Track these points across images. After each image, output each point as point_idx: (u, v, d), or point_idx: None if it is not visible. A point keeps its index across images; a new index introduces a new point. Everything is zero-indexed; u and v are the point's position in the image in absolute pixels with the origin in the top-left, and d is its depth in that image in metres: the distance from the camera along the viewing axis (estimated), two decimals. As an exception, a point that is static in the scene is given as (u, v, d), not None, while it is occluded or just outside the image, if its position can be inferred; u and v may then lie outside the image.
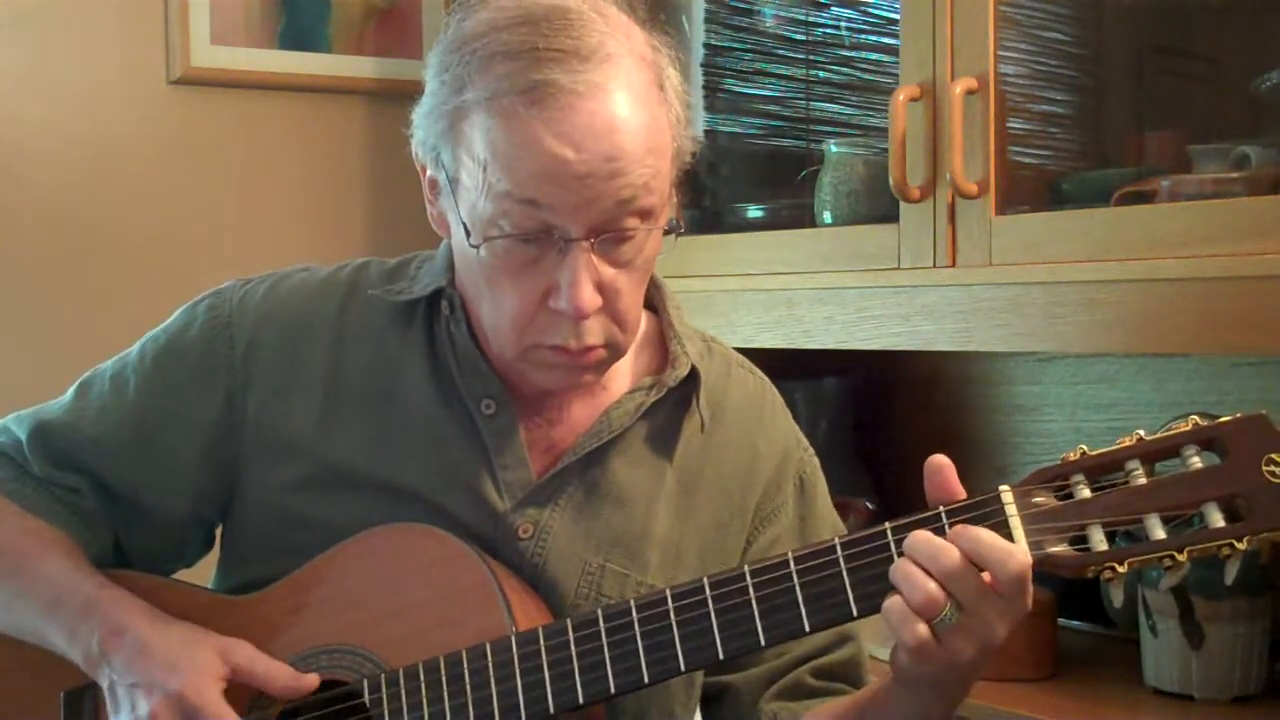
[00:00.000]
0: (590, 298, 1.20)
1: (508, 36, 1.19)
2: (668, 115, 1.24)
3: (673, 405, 1.35)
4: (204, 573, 1.43)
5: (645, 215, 1.21)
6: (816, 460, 1.45)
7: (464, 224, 1.22)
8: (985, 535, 1.11)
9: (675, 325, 1.38)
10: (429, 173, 1.28)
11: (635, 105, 1.19)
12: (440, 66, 1.24)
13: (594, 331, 1.23)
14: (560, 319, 1.21)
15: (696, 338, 1.40)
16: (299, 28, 2.53)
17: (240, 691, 1.26)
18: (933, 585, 1.10)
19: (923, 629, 1.11)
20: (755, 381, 1.44)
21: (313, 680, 1.26)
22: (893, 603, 1.12)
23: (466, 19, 1.23)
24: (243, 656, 1.26)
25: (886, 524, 1.16)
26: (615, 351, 1.27)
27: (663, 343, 1.38)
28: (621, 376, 1.36)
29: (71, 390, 1.42)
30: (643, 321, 1.37)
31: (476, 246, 1.21)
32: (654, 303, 1.40)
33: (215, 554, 1.44)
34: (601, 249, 1.20)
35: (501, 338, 1.26)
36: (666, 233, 1.25)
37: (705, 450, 1.37)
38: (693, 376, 1.35)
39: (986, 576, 1.11)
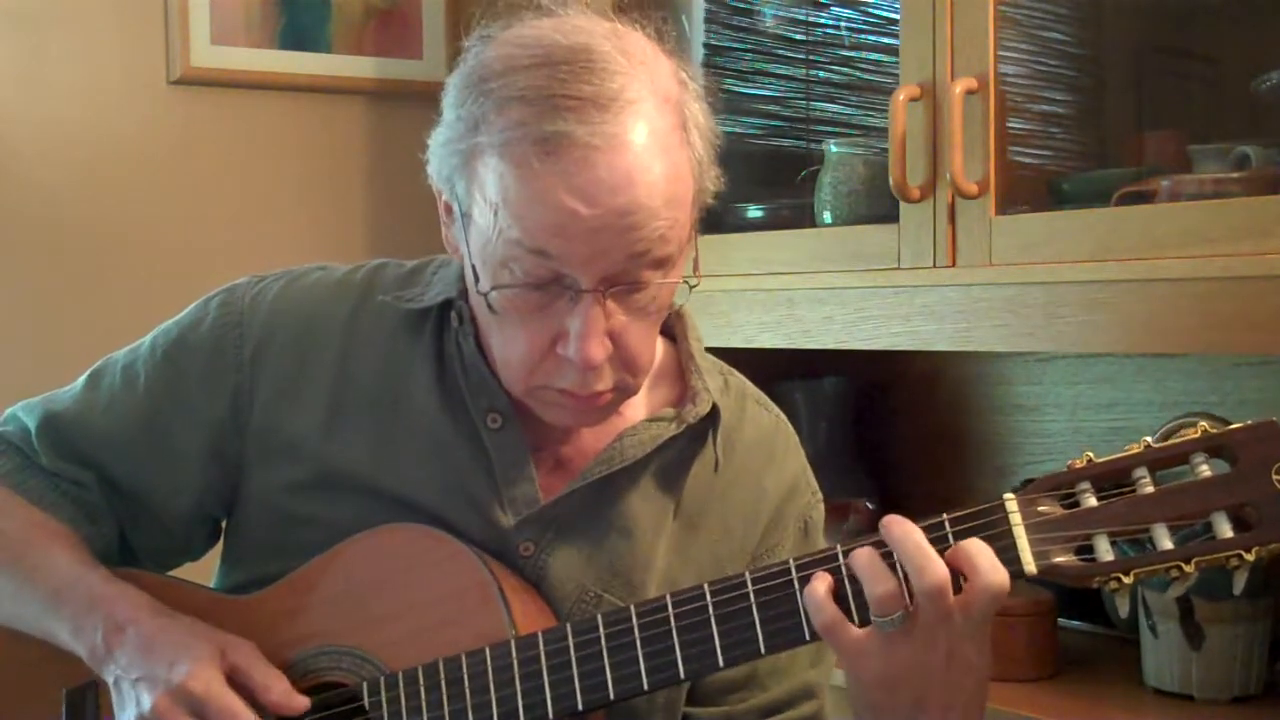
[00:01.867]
0: (599, 349, 1.17)
1: (524, 80, 1.15)
2: (689, 159, 1.20)
3: (687, 440, 1.33)
4: (206, 570, 1.43)
5: (660, 265, 1.18)
6: (823, 507, 1.43)
7: (474, 266, 1.20)
8: (972, 547, 1.11)
9: (696, 358, 1.35)
10: (444, 197, 1.25)
11: (655, 155, 1.15)
12: (458, 100, 1.20)
13: (603, 378, 1.20)
14: (568, 365, 1.19)
15: (715, 371, 1.38)
16: (299, 28, 2.53)
17: (240, 692, 1.25)
18: (894, 583, 1.10)
19: (833, 611, 1.12)
20: (769, 419, 1.41)
21: (304, 702, 1.24)
22: (816, 585, 1.13)
23: (486, 50, 1.20)
24: (243, 656, 1.25)
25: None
26: (625, 394, 1.25)
27: (681, 374, 1.36)
28: (636, 404, 1.33)
29: (82, 380, 1.41)
30: (661, 350, 1.35)
31: (485, 294, 1.19)
32: (674, 332, 1.38)
33: (218, 551, 1.43)
34: (614, 297, 1.18)
35: (509, 375, 1.24)
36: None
37: (712, 487, 1.35)
38: (712, 414, 1.33)
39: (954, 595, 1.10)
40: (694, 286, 1.24)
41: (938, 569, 1.10)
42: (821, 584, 1.14)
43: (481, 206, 1.18)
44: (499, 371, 1.26)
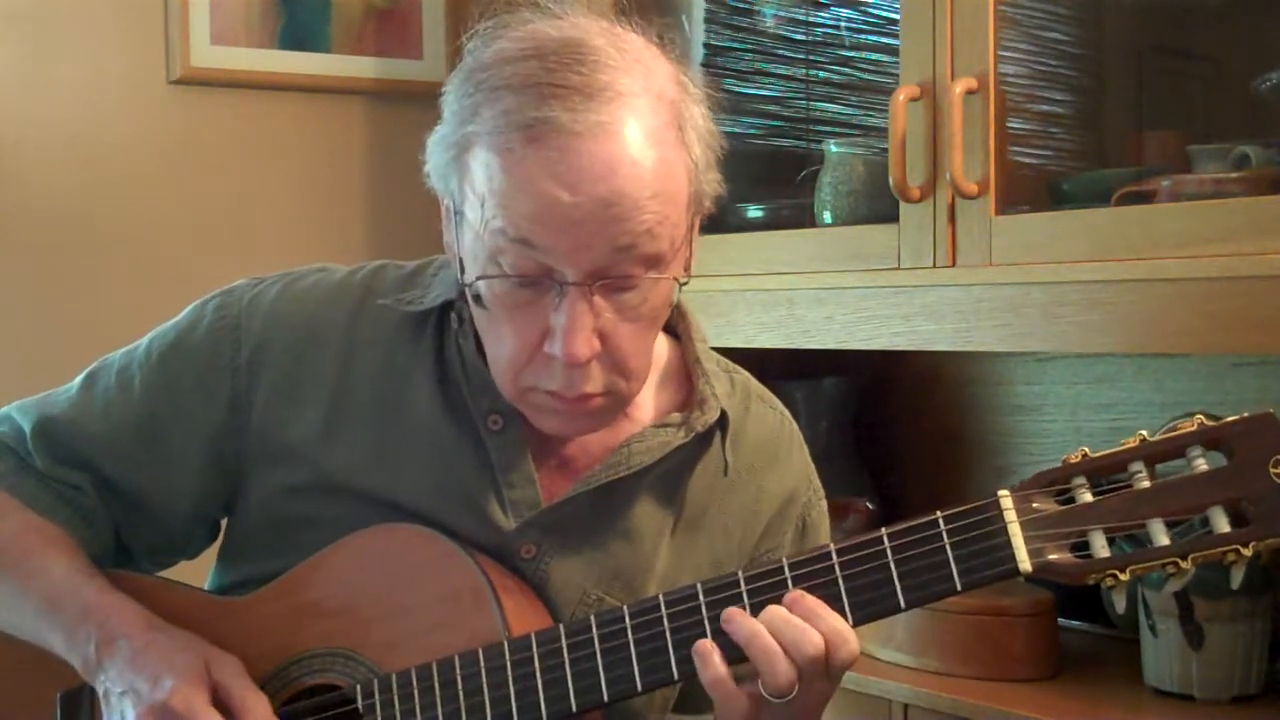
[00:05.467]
0: (584, 346, 1.15)
1: (513, 70, 1.14)
2: (684, 158, 1.17)
3: (693, 443, 1.32)
4: (202, 568, 1.43)
5: (650, 263, 1.16)
6: (825, 504, 1.42)
7: (460, 259, 1.20)
8: (834, 619, 1.13)
9: (703, 361, 1.34)
10: (444, 200, 1.24)
11: (643, 147, 1.13)
12: (453, 95, 1.20)
13: (591, 379, 1.18)
14: (556, 364, 1.17)
15: (721, 372, 1.36)
16: (299, 28, 2.53)
17: (222, 710, 1.22)
18: (793, 671, 1.12)
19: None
20: (774, 417, 1.40)
21: None
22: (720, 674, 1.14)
23: (484, 48, 1.19)
24: (228, 672, 1.23)
25: (883, 530, 1.15)
26: (618, 400, 1.22)
27: (687, 375, 1.35)
28: (644, 406, 1.32)
29: (78, 381, 1.40)
30: (666, 349, 1.35)
31: (469, 284, 1.18)
32: (677, 330, 1.36)
33: (214, 548, 1.43)
34: (602, 294, 1.16)
35: (500, 377, 1.22)
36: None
37: (713, 487, 1.34)
38: (720, 420, 1.31)
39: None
40: (684, 284, 1.21)
41: (814, 640, 1.12)
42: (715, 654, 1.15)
43: (471, 200, 1.17)
44: (492, 374, 1.25)
